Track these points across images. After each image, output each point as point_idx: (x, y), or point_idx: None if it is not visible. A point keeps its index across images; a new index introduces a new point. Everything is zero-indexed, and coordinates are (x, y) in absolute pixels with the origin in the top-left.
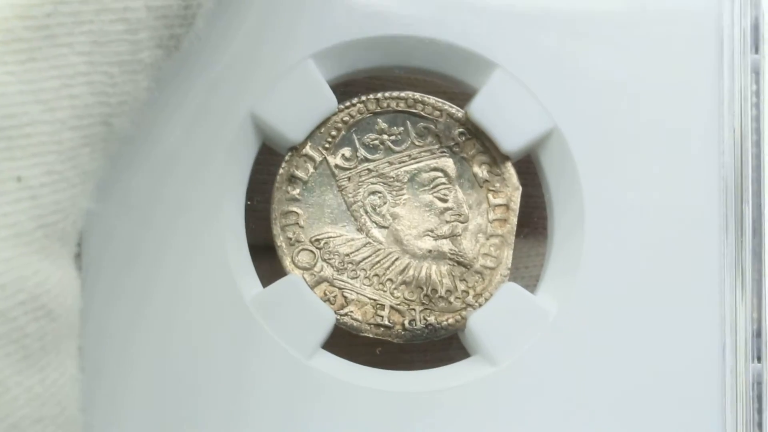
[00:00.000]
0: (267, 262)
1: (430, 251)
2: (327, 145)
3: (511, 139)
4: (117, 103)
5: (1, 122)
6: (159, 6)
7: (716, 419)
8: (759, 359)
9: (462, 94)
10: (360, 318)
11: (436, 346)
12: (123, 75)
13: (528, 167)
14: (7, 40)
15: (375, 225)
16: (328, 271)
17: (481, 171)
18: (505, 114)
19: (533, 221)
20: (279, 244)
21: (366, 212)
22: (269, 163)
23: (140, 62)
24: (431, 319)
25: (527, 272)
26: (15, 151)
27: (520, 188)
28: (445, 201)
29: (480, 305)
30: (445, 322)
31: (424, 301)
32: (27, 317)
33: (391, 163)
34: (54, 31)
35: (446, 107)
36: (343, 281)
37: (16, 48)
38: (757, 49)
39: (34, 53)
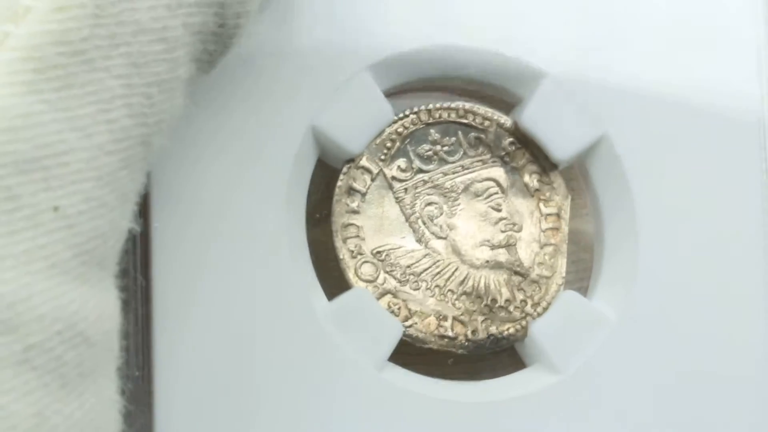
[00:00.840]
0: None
1: (487, 261)
2: (383, 157)
3: (561, 147)
4: (155, 123)
5: (36, 152)
6: (195, 23)
7: None
8: None
9: (503, 102)
10: (424, 330)
11: (503, 357)
12: (161, 94)
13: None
14: (41, 68)
15: (433, 236)
16: (391, 283)
17: (531, 180)
18: (554, 123)
19: None
20: (341, 256)
21: (424, 223)
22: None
23: (178, 79)
24: (493, 329)
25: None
26: (51, 181)
27: (569, 197)
28: (499, 210)
29: (539, 314)
30: (506, 332)
31: (484, 312)
32: (64, 346)
33: (445, 174)
34: (90, 55)
35: (495, 117)
36: (406, 293)
37: (51, 75)
38: None
39: (70, 79)
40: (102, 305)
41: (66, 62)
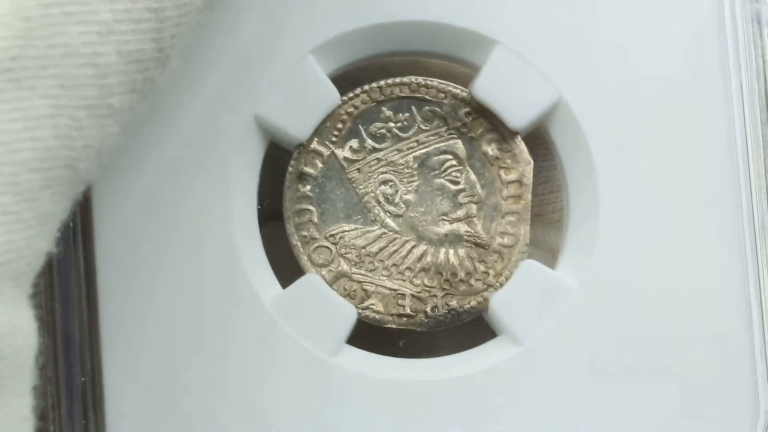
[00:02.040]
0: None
1: (446, 235)
2: (334, 139)
3: (517, 114)
4: (82, 147)
5: None
6: (131, 50)
7: (747, 386)
8: None
9: (465, 73)
10: (382, 310)
11: (462, 330)
12: (90, 119)
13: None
14: None
15: (389, 214)
16: (345, 266)
17: (490, 149)
18: (509, 90)
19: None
20: (294, 243)
21: (378, 203)
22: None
23: (109, 107)
24: (453, 303)
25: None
26: None
27: (532, 162)
28: (457, 183)
29: (501, 285)
30: (467, 305)
31: (444, 287)
32: None
33: (399, 151)
34: (18, 74)
35: (450, 88)
36: (361, 274)
37: None
38: None
39: None
40: (14, 321)
41: None
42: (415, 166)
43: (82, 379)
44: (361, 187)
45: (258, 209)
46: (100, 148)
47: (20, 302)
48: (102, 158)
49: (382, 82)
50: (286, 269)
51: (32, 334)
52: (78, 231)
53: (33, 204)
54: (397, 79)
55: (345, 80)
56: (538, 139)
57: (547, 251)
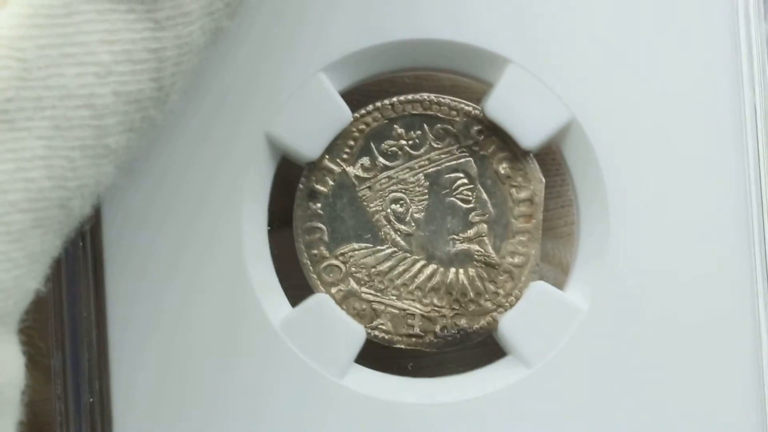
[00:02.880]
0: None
1: (456, 255)
2: (345, 156)
3: (530, 134)
4: (76, 187)
5: None
6: (129, 91)
7: (755, 405)
8: None
9: (477, 89)
10: (391, 330)
11: (471, 353)
12: (85, 159)
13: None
14: None
15: (399, 233)
16: (355, 285)
17: (502, 167)
18: (521, 109)
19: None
20: (304, 261)
21: (389, 221)
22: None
23: (106, 147)
24: (462, 323)
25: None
26: None
27: (544, 181)
28: (469, 202)
29: (511, 305)
30: (476, 326)
31: (454, 307)
32: None
33: (411, 169)
34: (13, 115)
35: (462, 106)
36: (371, 294)
37: None
38: None
39: None
40: None
41: None
42: (426, 184)
43: (90, 399)
44: (371, 205)
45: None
46: (94, 187)
47: (6, 339)
48: (96, 197)
49: (394, 99)
50: (294, 284)
51: (18, 370)
52: (87, 250)
53: (23, 244)
54: (410, 96)
55: (355, 92)
56: (551, 153)
57: (557, 266)
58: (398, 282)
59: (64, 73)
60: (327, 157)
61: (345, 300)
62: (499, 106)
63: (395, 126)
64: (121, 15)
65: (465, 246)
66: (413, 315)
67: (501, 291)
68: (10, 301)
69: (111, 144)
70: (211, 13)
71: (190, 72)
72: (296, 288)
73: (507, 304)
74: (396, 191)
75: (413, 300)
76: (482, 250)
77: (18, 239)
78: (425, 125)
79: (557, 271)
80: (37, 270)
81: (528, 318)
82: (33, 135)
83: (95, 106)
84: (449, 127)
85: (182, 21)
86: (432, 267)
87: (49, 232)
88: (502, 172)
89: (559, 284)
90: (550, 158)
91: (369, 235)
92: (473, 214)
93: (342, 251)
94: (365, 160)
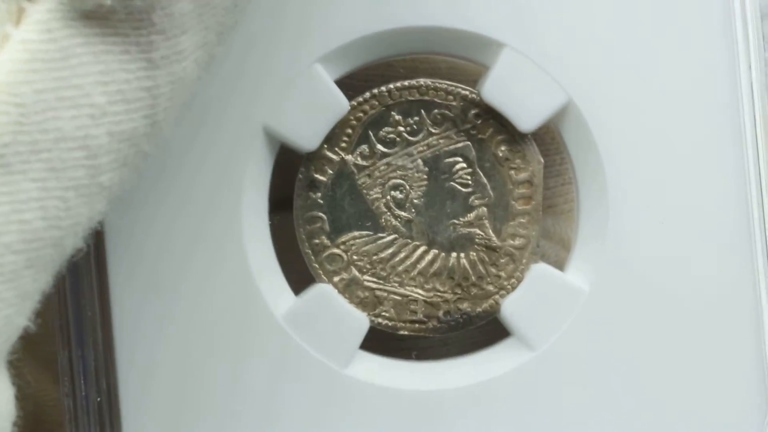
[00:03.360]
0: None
1: (457, 239)
2: (344, 145)
3: (527, 117)
4: (69, 225)
5: None
6: (123, 130)
7: (757, 386)
8: None
9: (475, 70)
10: (394, 316)
11: (475, 335)
12: (78, 198)
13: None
14: None
15: (399, 220)
16: (357, 273)
17: (500, 150)
18: (518, 92)
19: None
20: (306, 251)
21: (389, 208)
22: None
23: (99, 185)
24: (465, 307)
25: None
26: None
27: (542, 162)
28: (468, 186)
29: (513, 287)
30: (479, 309)
31: (456, 291)
32: None
33: (409, 155)
34: (9, 159)
35: (459, 90)
36: (373, 281)
37: None
38: None
39: None
40: None
41: None
42: (426, 170)
43: (98, 399)
44: (371, 193)
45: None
46: (87, 224)
47: None
48: (87, 232)
49: (391, 86)
50: (298, 272)
51: (7, 402)
52: (91, 250)
53: (15, 284)
54: (406, 83)
55: (351, 77)
56: (550, 132)
57: (557, 242)
58: (400, 269)
59: (60, 116)
60: (325, 146)
61: (347, 288)
62: (496, 90)
63: (392, 113)
64: (115, 56)
65: (466, 230)
66: (416, 301)
67: (503, 274)
68: (0, 340)
69: (104, 182)
70: (204, 45)
71: (182, 104)
72: (298, 278)
73: (509, 286)
74: (395, 178)
75: (415, 286)
76: (483, 234)
77: (11, 279)
78: (422, 111)
79: (558, 248)
80: (26, 307)
81: (530, 301)
82: (28, 177)
83: (90, 147)
84: (446, 111)
85: (176, 58)
86: (433, 252)
87: (41, 270)
88: (501, 154)
89: (561, 261)
90: (549, 137)
91: (369, 223)
92: (473, 197)
93: (343, 240)
94: (364, 148)
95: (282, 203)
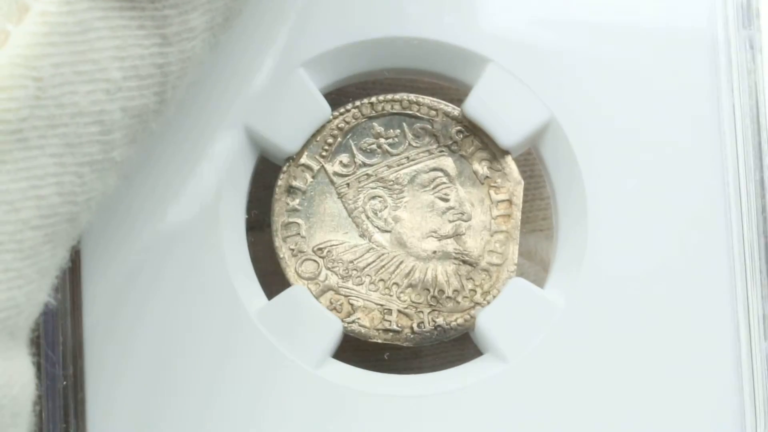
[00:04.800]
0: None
1: (434, 252)
2: (324, 153)
3: (508, 133)
4: (84, 201)
5: None
6: (135, 106)
7: (732, 403)
8: None
9: (456, 91)
10: (368, 324)
11: (448, 346)
12: (93, 174)
13: (526, 160)
14: None
15: (377, 229)
16: (332, 280)
17: (481, 168)
18: (500, 109)
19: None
20: (282, 255)
21: (367, 217)
22: (269, 176)
23: (111, 160)
24: (440, 320)
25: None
26: None
27: (522, 182)
28: (447, 200)
29: (488, 303)
30: (454, 323)
31: (431, 303)
32: None
33: (389, 167)
34: (27, 134)
35: (442, 106)
36: (348, 288)
37: None
38: (750, 23)
39: (4, 156)
40: (9, 372)
41: (2, 140)
42: (405, 182)
43: (64, 383)
44: (350, 201)
45: (245, 218)
46: (100, 199)
47: (16, 353)
48: (99, 206)
49: (374, 98)
50: (271, 278)
51: (29, 382)
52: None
53: (35, 260)
54: (389, 96)
55: (335, 93)
56: (534, 154)
57: (538, 263)
58: (376, 277)
59: (76, 90)
60: (306, 153)
61: (322, 294)
62: (479, 105)
63: (374, 124)
64: (132, 31)
65: (443, 243)
66: (390, 310)
67: (479, 289)
68: (22, 316)
69: (116, 157)
70: (212, 27)
71: (187, 84)
72: (274, 282)
73: (485, 302)
74: (374, 188)
75: (390, 296)
76: (460, 248)
77: (30, 256)
78: (404, 124)
79: (538, 269)
80: (46, 282)
81: (505, 313)
82: (45, 153)
83: (104, 122)
84: (428, 126)
85: (187, 36)
86: (410, 263)
87: (58, 246)
88: (481, 172)
89: (541, 282)
90: (532, 158)
91: (347, 231)
92: (451, 212)
93: (320, 246)
94: (344, 157)
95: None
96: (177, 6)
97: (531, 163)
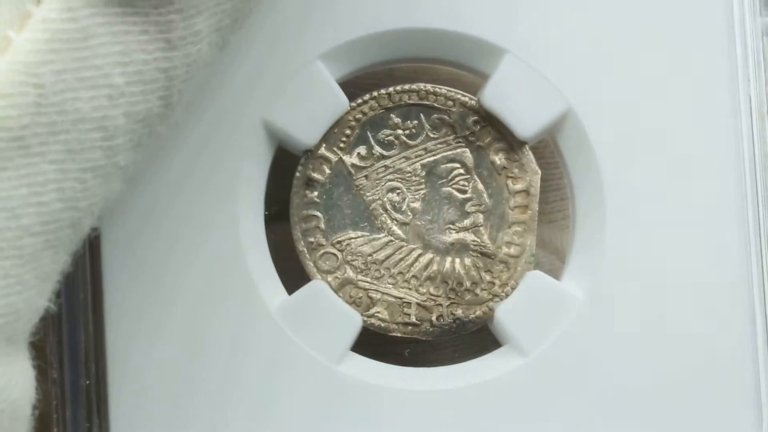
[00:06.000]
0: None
1: (452, 244)
2: (342, 145)
3: (525, 124)
4: (86, 206)
5: None
6: (139, 111)
7: (751, 394)
8: None
9: (473, 83)
10: (387, 318)
11: (466, 338)
12: (95, 179)
13: (541, 152)
14: None
15: (395, 222)
16: (351, 273)
17: (498, 158)
18: (518, 99)
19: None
20: (301, 249)
21: (385, 210)
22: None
23: (115, 165)
24: (459, 312)
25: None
26: None
27: (539, 173)
28: (465, 192)
29: (507, 295)
30: (472, 315)
31: (450, 296)
32: None
33: (407, 158)
34: (28, 141)
35: (459, 96)
36: (367, 282)
37: None
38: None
39: (5, 163)
40: (8, 376)
41: (3, 147)
42: (423, 174)
43: (86, 381)
44: (368, 194)
45: (265, 214)
46: (103, 204)
47: (16, 356)
48: (102, 211)
49: (391, 89)
50: (291, 272)
51: (29, 385)
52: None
53: (34, 265)
54: (406, 86)
55: (353, 86)
56: (550, 146)
57: (553, 253)
58: (395, 270)
59: (79, 97)
60: (324, 145)
61: (341, 288)
62: (496, 96)
63: (392, 115)
64: (135, 36)
65: (461, 236)
66: (409, 304)
67: (497, 281)
68: (21, 322)
69: (120, 162)
70: (220, 29)
71: (193, 85)
72: (293, 276)
73: (503, 294)
74: (392, 180)
75: (409, 289)
76: (478, 240)
77: (29, 261)
78: (422, 115)
79: (554, 259)
80: (46, 288)
81: (524, 307)
82: (46, 159)
83: (107, 128)
84: (445, 117)
85: (192, 40)
86: (428, 256)
87: (60, 251)
88: (498, 162)
89: (556, 272)
90: (549, 151)
91: (366, 224)
92: (469, 204)
93: (339, 239)
94: (362, 149)
95: (277, 204)
96: (182, 11)
97: (542, 154)
